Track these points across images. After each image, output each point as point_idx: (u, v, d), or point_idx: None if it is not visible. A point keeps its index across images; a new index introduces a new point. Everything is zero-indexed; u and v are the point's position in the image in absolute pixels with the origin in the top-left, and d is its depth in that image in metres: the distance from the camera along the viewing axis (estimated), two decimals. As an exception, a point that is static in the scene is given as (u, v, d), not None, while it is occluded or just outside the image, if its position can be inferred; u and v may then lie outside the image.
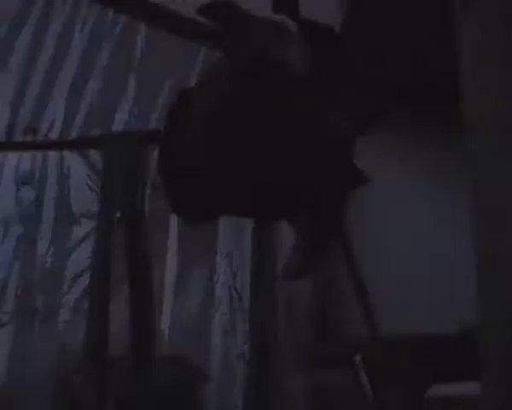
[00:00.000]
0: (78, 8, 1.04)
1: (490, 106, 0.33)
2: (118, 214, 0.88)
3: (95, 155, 0.97)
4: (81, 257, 0.96)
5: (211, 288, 0.98)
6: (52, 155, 0.99)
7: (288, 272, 0.33)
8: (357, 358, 0.77)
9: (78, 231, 0.97)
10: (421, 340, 0.91)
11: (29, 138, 1.01)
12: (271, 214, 0.32)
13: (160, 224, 0.96)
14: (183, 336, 0.98)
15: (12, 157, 0.99)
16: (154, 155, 0.95)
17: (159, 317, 0.93)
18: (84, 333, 0.84)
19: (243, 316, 0.94)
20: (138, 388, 0.83)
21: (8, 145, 1.00)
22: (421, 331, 0.95)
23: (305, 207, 0.32)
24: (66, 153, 0.99)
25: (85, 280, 0.91)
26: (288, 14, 0.28)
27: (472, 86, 0.35)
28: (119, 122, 1.01)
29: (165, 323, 0.96)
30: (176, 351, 0.96)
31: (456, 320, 0.99)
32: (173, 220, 0.98)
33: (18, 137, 1.01)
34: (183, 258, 1.00)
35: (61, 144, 0.99)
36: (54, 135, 1.01)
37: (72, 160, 0.99)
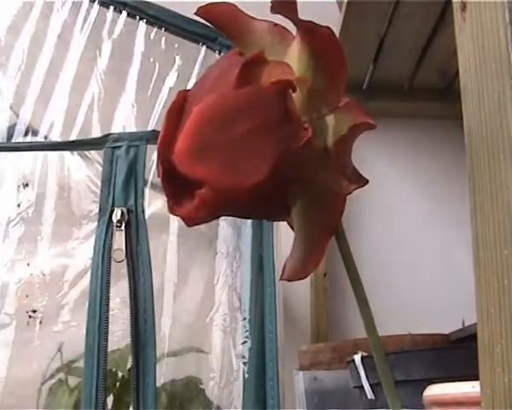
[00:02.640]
0: (77, 8, 1.04)
1: (489, 108, 0.33)
2: (118, 215, 0.88)
3: (95, 156, 0.97)
4: (81, 258, 0.96)
5: (211, 288, 0.98)
6: (52, 156, 0.99)
7: (287, 273, 0.33)
8: (357, 358, 0.77)
9: (79, 232, 0.97)
10: (420, 340, 0.91)
11: (29, 140, 1.01)
12: (269, 214, 0.32)
13: (160, 224, 0.96)
14: (183, 335, 0.98)
15: (12, 158, 0.99)
16: (154, 155, 0.95)
17: (159, 317, 0.93)
18: (84, 334, 0.84)
19: (243, 316, 0.94)
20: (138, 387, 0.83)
21: (9, 146, 1.00)
22: (420, 332, 0.95)
23: (302, 206, 0.32)
24: (66, 153, 0.99)
25: (86, 281, 0.91)
26: (287, 15, 0.28)
27: (471, 88, 0.35)
28: (119, 122, 1.01)
29: (164, 323, 0.96)
30: (175, 351, 0.96)
31: (457, 321, 1.00)
32: (173, 220, 0.98)
33: (18, 138, 1.00)
34: (182, 258, 1.00)
35: (61, 145, 0.99)
36: (54, 136, 1.01)
37: (72, 160, 0.99)
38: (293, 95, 0.29)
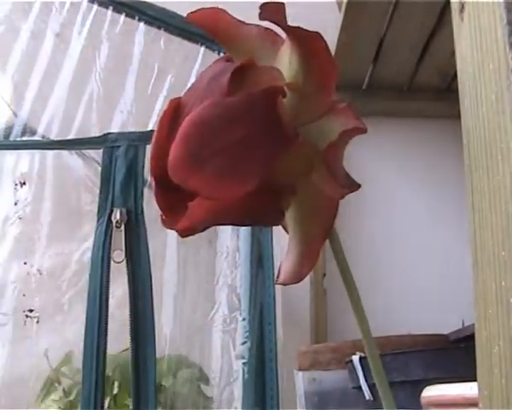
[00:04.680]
0: (76, 7, 1.04)
1: (486, 108, 0.33)
2: (117, 215, 0.88)
3: (93, 155, 0.97)
4: (80, 257, 0.96)
5: (210, 288, 0.98)
6: (50, 154, 0.99)
7: (282, 277, 0.33)
8: (355, 358, 0.77)
9: (77, 232, 0.97)
10: (419, 340, 0.91)
11: (27, 138, 1.01)
12: (263, 220, 0.32)
13: (160, 224, 0.96)
14: (183, 336, 0.98)
15: (10, 157, 0.99)
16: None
17: (158, 318, 0.93)
18: (83, 333, 0.84)
19: (243, 317, 0.94)
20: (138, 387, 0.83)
21: (7, 145, 1.00)
22: (420, 332, 0.95)
23: (295, 211, 0.32)
24: (64, 153, 0.99)
25: (83, 280, 0.91)
26: (275, 21, 0.28)
27: (469, 88, 0.35)
28: (118, 122, 1.01)
29: (164, 323, 0.96)
30: (176, 351, 0.96)
31: (457, 321, 1.00)
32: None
33: (16, 137, 1.00)
34: (182, 258, 1.00)
35: (59, 144, 0.99)
36: (52, 135, 1.01)
37: (71, 160, 0.99)
38: (284, 100, 0.29)
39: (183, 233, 0.29)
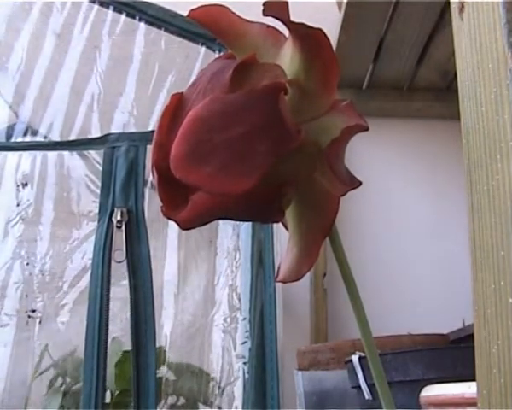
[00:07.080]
0: (77, 8, 1.04)
1: (486, 108, 0.33)
2: (118, 215, 0.88)
3: (94, 156, 0.97)
4: (81, 258, 0.96)
5: (211, 288, 0.98)
6: (52, 155, 1.00)
7: (281, 275, 0.33)
8: (355, 358, 0.77)
9: (78, 232, 0.97)
10: (419, 340, 0.91)
11: (29, 139, 1.01)
12: (263, 217, 0.32)
13: (160, 224, 0.97)
14: (183, 335, 0.98)
15: (12, 158, 0.99)
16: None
17: (159, 317, 0.93)
18: (84, 334, 0.85)
19: (243, 316, 0.94)
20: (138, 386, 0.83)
21: (8, 146, 1.00)
22: (420, 332, 0.95)
23: (296, 208, 0.32)
24: (65, 153, 1.00)
25: (85, 281, 0.91)
26: (278, 17, 0.28)
27: (468, 88, 0.35)
28: (119, 123, 1.01)
29: (165, 323, 0.96)
30: (176, 351, 0.96)
31: (457, 321, 1.00)
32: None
33: (18, 138, 1.01)
34: (183, 258, 1.00)
35: (60, 145, 0.99)
36: (53, 136, 1.01)
37: (72, 160, 0.99)
38: (286, 97, 0.29)
39: (183, 225, 0.29)
